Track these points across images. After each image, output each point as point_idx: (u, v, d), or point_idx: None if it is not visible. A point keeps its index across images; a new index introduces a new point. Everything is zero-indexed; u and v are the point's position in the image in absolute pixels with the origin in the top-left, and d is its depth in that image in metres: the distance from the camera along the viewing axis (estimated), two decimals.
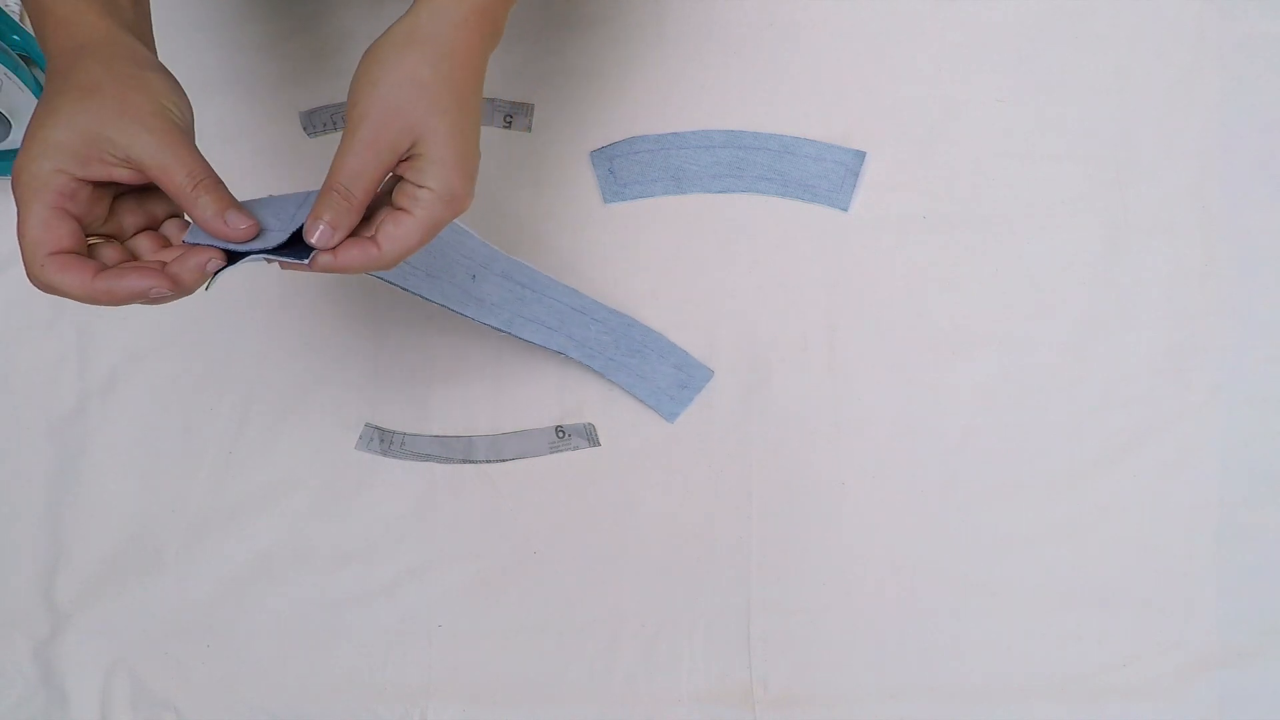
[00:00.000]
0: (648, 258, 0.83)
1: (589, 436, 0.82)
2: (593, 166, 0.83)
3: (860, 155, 0.82)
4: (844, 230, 0.83)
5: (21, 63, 0.80)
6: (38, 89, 0.80)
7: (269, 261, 0.52)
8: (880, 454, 0.81)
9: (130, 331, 0.83)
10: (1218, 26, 0.84)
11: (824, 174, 0.82)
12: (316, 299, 0.83)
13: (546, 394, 0.82)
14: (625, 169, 0.83)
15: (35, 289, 0.51)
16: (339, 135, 0.52)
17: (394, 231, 0.50)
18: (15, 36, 0.83)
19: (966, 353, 0.82)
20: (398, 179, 0.51)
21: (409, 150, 0.49)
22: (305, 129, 0.84)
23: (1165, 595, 0.80)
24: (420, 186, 0.50)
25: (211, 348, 0.83)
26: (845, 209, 0.82)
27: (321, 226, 0.50)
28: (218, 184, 0.50)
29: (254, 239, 0.51)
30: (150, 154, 0.48)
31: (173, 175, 0.49)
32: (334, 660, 0.81)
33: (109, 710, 0.80)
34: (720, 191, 0.83)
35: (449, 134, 0.49)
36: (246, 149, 0.85)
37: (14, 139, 0.80)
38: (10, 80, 0.78)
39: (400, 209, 0.50)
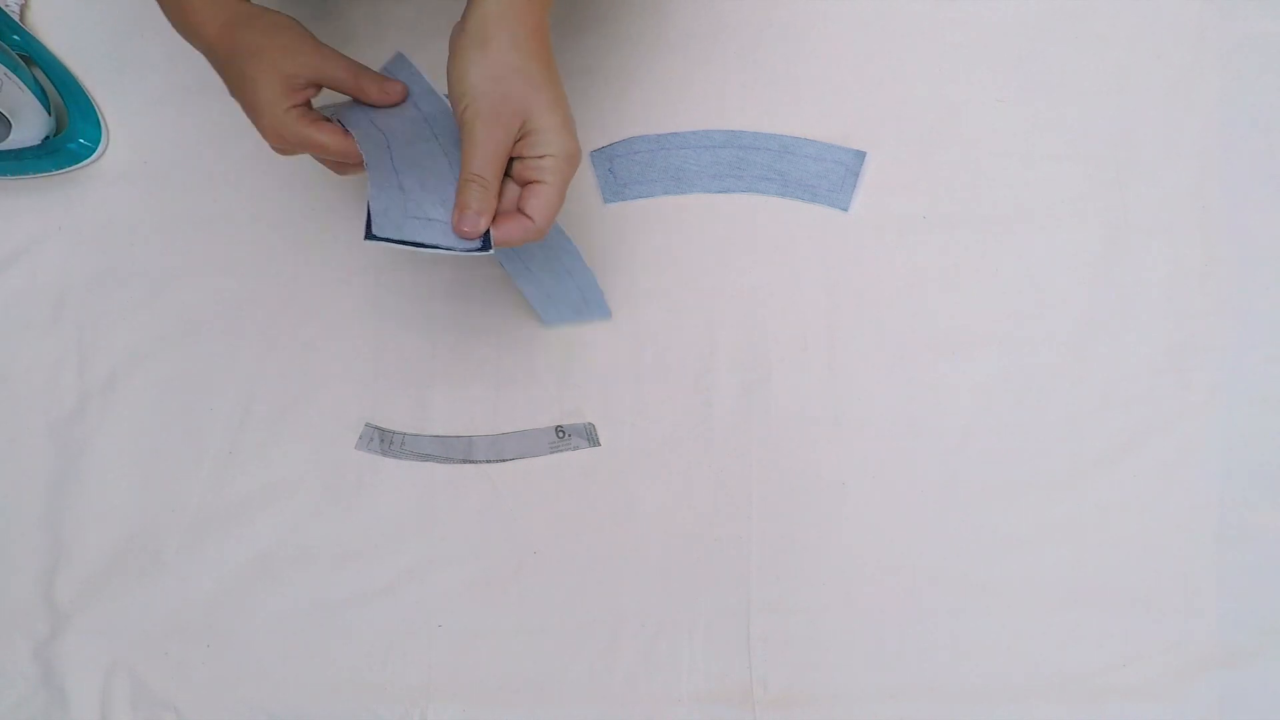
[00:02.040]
0: (648, 258, 0.83)
1: (589, 436, 0.82)
2: (593, 166, 0.83)
3: (860, 155, 0.82)
4: (844, 230, 0.83)
5: (21, 62, 0.80)
6: (37, 88, 0.80)
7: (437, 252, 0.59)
8: (880, 454, 0.81)
9: (130, 331, 0.83)
10: (1218, 26, 0.84)
11: (824, 174, 0.82)
12: (316, 299, 0.83)
13: (546, 394, 0.82)
14: (625, 169, 0.83)
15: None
16: None
17: (538, 203, 0.57)
18: (15, 36, 0.83)
19: (966, 353, 0.82)
20: (513, 159, 0.58)
21: (520, 129, 0.56)
22: None
23: (1165, 595, 0.80)
24: (543, 157, 0.57)
25: (211, 348, 0.83)
26: (845, 209, 0.82)
27: (470, 214, 0.57)
28: (366, 71, 0.63)
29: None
30: (320, 73, 0.62)
31: (340, 78, 0.62)
32: (334, 660, 0.81)
33: (109, 710, 0.80)
34: (720, 191, 0.83)
35: (551, 104, 0.56)
36: (249, 149, 0.85)
37: (14, 139, 0.80)
38: (10, 80, 0.78)
39: (533, 182, 0.58)
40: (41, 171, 0.83)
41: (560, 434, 0.82)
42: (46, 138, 0.82)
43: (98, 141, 0.84)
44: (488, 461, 0.82)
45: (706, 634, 0.80)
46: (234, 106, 0.84)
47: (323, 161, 0.65)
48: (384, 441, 0.82)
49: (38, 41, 0.84)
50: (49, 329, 0.83)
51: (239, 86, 0.62)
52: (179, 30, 0.64)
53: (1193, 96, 0.83)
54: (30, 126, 0.81)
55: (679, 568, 0.81)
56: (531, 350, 0.82)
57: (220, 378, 0.83)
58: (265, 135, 0.62)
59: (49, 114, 0.81)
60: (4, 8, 0.83)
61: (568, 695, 0.80)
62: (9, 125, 0.79)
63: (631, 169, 0.83)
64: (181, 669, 0.81)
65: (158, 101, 0.85)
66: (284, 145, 0.62)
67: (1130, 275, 0.82)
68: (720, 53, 0.84)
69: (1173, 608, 0.80)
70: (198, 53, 0.85)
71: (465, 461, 0.82)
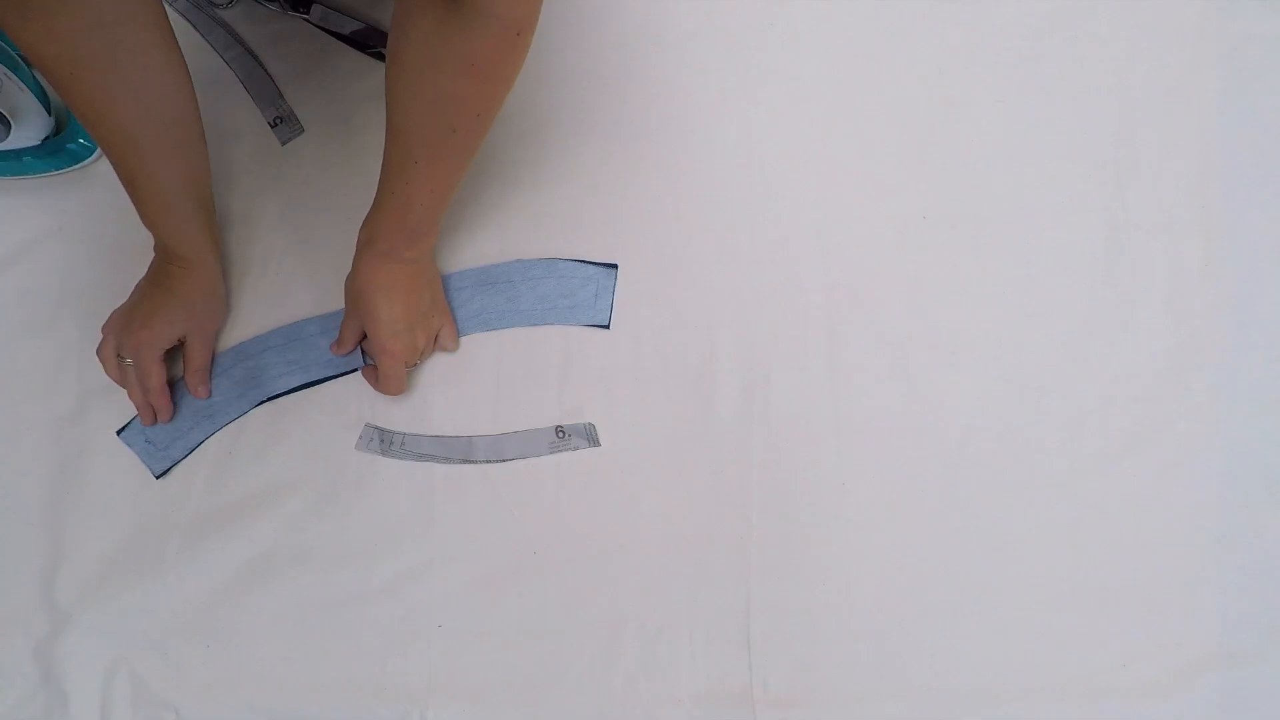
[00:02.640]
0: (648, 257, 0.83)
1: (589, 436, 0.82)
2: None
3: (611, 270, 0.82)
4: (844, 230, 0.83)
5: (21, 63, 0.80)
6: (36, 88, 0.80)
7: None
8: (880, 454, 0.81)
9: None
10: (1218, 26, 0.84)
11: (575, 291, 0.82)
12: (316, 298, 0.83)
13: (546, 394, 0.82)
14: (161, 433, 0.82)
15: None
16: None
17: (374, 376, 0.81)
18: None
19: (966, 353, 0.82)
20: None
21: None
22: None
23: (1165, 595, 0.80)
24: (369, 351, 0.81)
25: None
26: (606, 325, 0.83)
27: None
28: (208, 377, 0.83)
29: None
30: (193, 353, 0.82)
31: (193, 365, 0.82)
32: (334, 660, 0.81)
33: (109, 710, 0.80)
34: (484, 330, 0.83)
35: (371, 323, 0.77)
36: (248, 149, 0.85)
37: (14, 139, 0.80)
38: (10, 80, 0.78)
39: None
40: (41, 172, 0.83)
41: (560, 434, 0.82)
42: (46, 138, 0.82)
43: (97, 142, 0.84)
44: (488, 461, 0.82)
45: (706, 634, 0.80)
46: (231, 106, 0.85)
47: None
48: (384, 441, 0.82)
49: None
50: (49, 329, 0.83)
51: (147, 299, 0.79)
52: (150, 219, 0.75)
53: (1193, 96, 0.83)
54: (30, 127, 0.81)
55: (679, 568, 0.81)
56: (531, 350, 0.82)
57: None
58: (133, 349, 0.79)
59: (49, 114, 0.81)
60: None
61: (568, 695, 0.80)
62: (9, 125, 0.79)
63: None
64: (181, 669, 0.81)
65: None
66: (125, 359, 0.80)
67: (1130, 275, 0.82)
68: (721, 54, 0.84)
69: (1173, 608, 0.79)
70: (197, 52, 0.85)
71: (465, 461, 0.82)
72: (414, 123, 0.67)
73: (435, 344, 0.82)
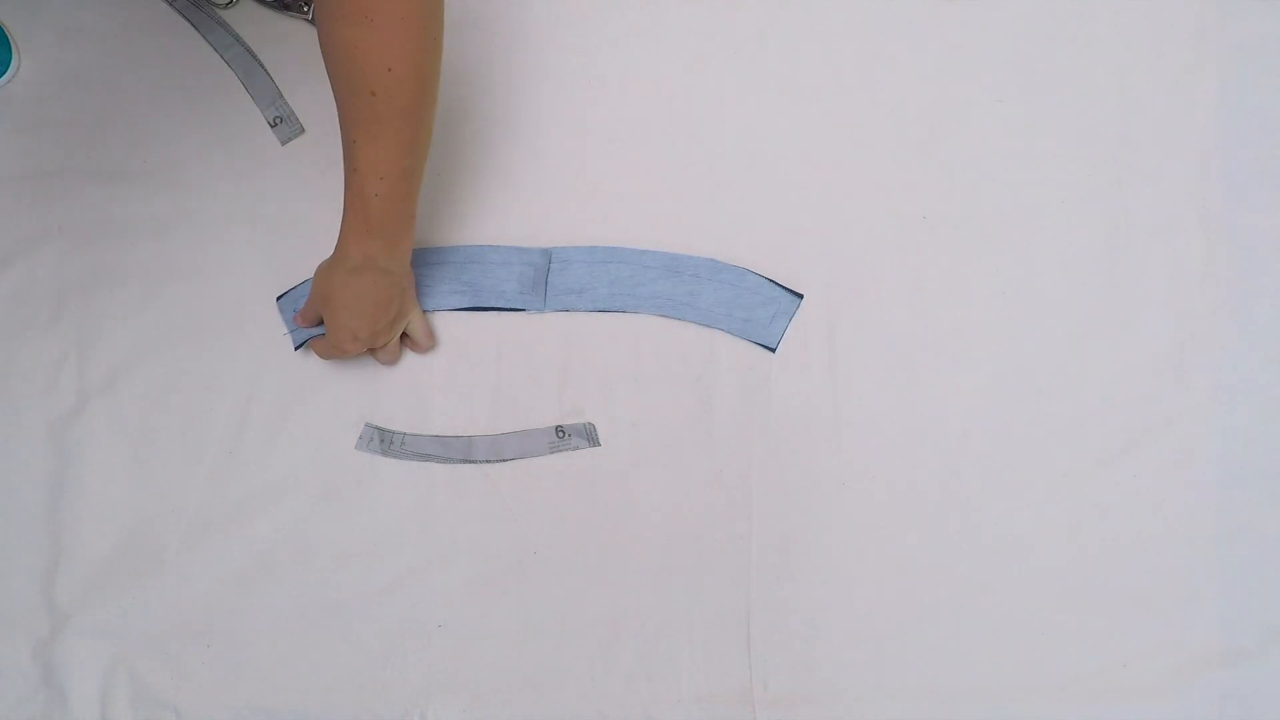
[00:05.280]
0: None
1: (589, 436, 0.82)
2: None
3: (795, 299, 0.82)
4: (844, 230, 0.83)
5: None
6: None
7: None
8: (880, 454, 0.81)
9: (130, 331, 0.83)
10: (1218, 26, 0.84)
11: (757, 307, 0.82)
12: None
13: (546, 394, 0.82)
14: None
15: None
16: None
17: (319, 345, 0.80)
18: None
19: (967, 352, 0.82)
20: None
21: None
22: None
23: (1165, 595, 0.80)
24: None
25: (211, 348, 0.83)
26: (773, 349, 0.82)
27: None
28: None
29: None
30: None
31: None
32: (334, 660, 0.81)
33: (109, 710, 0.80)
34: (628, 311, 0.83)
35: (333, 327, 0.76)
36: (250, 149, 0.85)
37: None
38: None
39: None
40: None
41: (560, 434, 0.82)
42: None
43: (7, 65, 0.83)
44: (488, 461, 0.82)
45: (706, 634, 0.80)
46: (231, 106, 0.85)
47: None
48: (384, 441, 0.82)
49: None
50: (49, 329, 0.83)
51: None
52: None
53: (1193, 96, 0.83)
54: None
55: (679, 568, 0.81)
56: (531, 350, 0.82)
57: (220, 378, 0.83)
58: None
59: None
60: None
61: (568, 695, 0.80)
62: None
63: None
64: (181, 669, 0.81)
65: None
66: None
67: (1130, 275, 0.82)
68: (721, 55, 0.84)
69: (1173, 608, 0.80)
70: (197, 52, 0.85)
71: (465, 461, 0.82)
72: (337, 90, 0.66)
73: (405, 341, 0.81)
